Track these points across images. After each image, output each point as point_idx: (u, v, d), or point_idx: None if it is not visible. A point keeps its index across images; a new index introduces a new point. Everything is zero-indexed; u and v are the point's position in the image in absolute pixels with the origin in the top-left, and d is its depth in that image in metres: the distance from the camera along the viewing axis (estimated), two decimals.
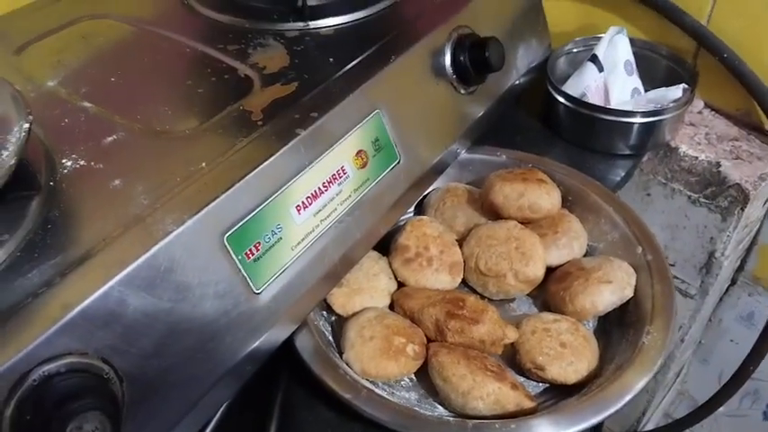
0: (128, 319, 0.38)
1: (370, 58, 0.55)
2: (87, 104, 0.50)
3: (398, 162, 0.55)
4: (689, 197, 0.70)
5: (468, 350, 0.49)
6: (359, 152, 0.51)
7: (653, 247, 0.54)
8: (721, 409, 0.90)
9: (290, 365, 0.51)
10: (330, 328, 0.55)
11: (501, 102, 0.68)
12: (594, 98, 0.71)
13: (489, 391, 0.46)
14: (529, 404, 0.46)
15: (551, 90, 0.71)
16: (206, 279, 0.42)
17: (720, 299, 0.88)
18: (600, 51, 0.72)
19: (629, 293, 0.52)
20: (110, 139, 0.47)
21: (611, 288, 0.52)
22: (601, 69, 0.71)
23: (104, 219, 0.41)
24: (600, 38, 0.73)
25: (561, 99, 0.71)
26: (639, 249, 0.55)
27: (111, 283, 0.37)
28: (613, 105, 0.71)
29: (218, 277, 0.42)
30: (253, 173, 0.44)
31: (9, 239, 0.39)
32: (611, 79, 0.71)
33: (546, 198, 0.57)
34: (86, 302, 0.36)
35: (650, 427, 1.09)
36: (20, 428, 0.33)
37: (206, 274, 0.42)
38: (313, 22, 0.59)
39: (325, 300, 0.55)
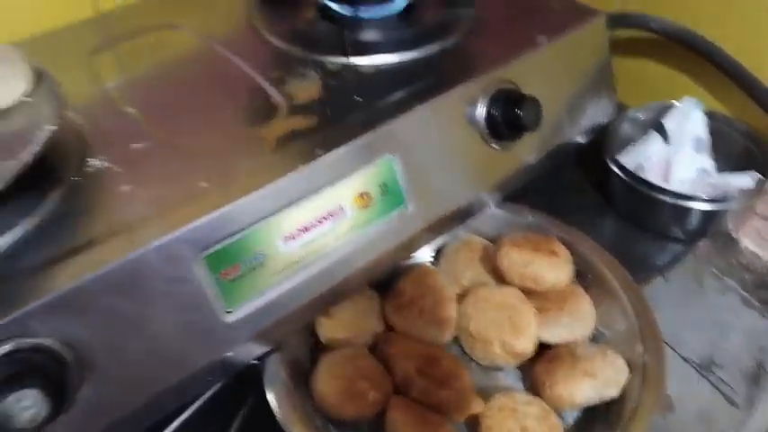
0: (97, 313, 0.41)
1: (397, 101, 0.55)
2: (131, 109, 0.55)
3: (406, 208, 0.55)
4: (741, 296, 0.63)
5: (428, 413, 0.49)
6: (362, 194, 0.52)
7: (655, 349, 0.50)
8: None
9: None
10: (313, 356, 0.56)
11: (546, 160, 0.66)
12: (653, 172, 0.66)
13: None
14: None
15: (606, 158, 0.68)
16: (178, 291, 0.44)
17: None
18: (669, 122, 0.67)
19: (613, 393, 0.49)
20: (137, 145, 0.51)
21: (592, 383, 0.48)
22: (667, 141, 0.66)
23: (104, 220, 0.45)
24: (672, 106, 0.68)
25: (615, 169, 0.66)
26: (640, 348, 0.50)
27: (87, 278, 0.41)
28: (674, 183, 0.66)
29: (190, 291, 0.45)
30: (242, 199, 0.46)
31: (20, 225, 0.44)
32: (676, 154, 0.66)
33: (552, 272, 0.55)
34: (60, 292, 0.40)
35: None
36: None
37: (179, 286, 0.44)
38: (355, 58, 0.60)
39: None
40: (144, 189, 0.47)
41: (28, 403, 0.38)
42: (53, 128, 0.45)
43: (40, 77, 0.50)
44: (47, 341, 0.40)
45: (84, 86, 0.58)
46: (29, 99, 0.49)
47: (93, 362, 0.42)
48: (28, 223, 0.45)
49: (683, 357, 0.74)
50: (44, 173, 0.47)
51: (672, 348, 0.75)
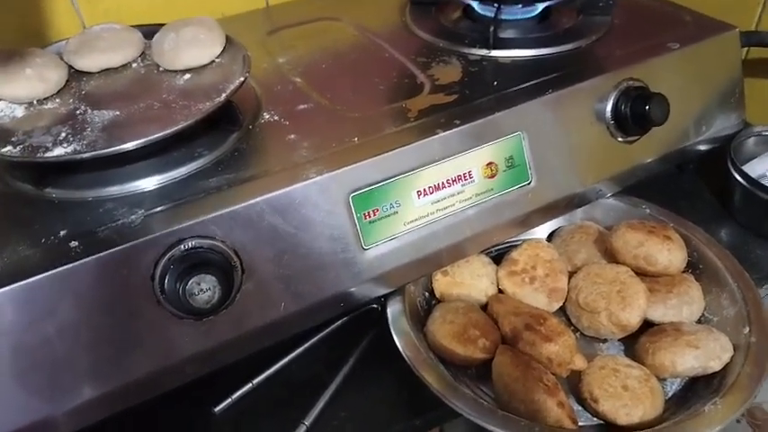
0: (262, 229, 0.50)
1: (530, 88, 0.61)
2: (298, 79, 0.65)
3: (529, 183, 0.60)
4: None
5: (533, 362, 0.53)
6: (489, 163, 0.58)
7: (762, 331, 0.51)
8: None
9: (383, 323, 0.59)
10: (427, 308, 0.62)
11: (667, 159, 0.68)
12: None
13: (534, 399, 0.49)
14: (569, 424, 0.48)
15: (729, 165, 0.69)
16: (327, 222, 0.52)
17: None
18: None
19: (715, 367, 0.50)
20: (302, 106, 0.61)
21: (695, 353, 0.50)
22: None
23: (273, 158, 0.54)
24: None
25: (737, 176, 0.68)
26: (747, 329, 0.52)
27: (257, 199, 0.50)
28: None
29: (336, 224, 0.53)
30: (387, 153, 0.54)
31: (208, 155, 0.54)
32: None
33: (665, 254, 0.57)
34: (236, 207, 0.49)
35: None
36: (164, 272, 0.47)
37: (328, 218, 0.52)
38: (495, 51, 0.67)
39: (431, 284, 0.63)
40: (306, 139, 0.56)
41: (205, 286, 0.47)
42: (241, 79, 0.55)
43: (230, 44, 0.61)
44: (221, 245, 0.49)
45: (260, 60, 0.69)
46: (222, 60, 0.59)
47: (253, 270, 0.50)
48: (214, 154, 0.55)
49: None
50: (228, 119, 0.57)
51: None
